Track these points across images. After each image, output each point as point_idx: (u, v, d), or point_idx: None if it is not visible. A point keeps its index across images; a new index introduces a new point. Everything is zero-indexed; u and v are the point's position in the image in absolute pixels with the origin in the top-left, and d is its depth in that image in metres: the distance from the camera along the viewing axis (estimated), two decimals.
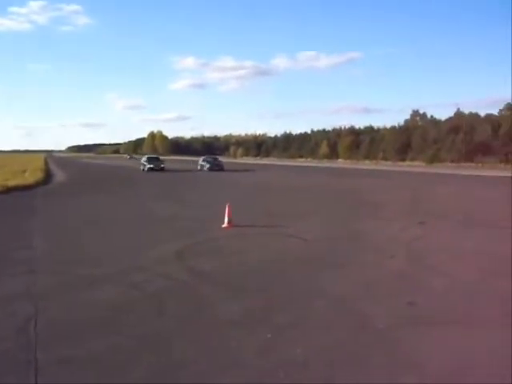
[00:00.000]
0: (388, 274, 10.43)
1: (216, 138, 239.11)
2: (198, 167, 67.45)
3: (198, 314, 7.80)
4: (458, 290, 9.22)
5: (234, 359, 6.12)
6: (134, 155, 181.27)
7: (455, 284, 9.65)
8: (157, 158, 68.72)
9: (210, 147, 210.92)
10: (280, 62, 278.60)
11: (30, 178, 41.69)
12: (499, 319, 7.58)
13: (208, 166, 65.18)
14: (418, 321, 7.47)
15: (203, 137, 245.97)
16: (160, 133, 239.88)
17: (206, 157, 73.60)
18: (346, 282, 9.73)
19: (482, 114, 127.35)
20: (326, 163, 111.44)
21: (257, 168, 75.96)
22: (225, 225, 16.39)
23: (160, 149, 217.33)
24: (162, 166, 62.86)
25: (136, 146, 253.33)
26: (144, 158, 67.83)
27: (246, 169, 72.09)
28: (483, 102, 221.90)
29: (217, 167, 64.95)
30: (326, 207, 23.13)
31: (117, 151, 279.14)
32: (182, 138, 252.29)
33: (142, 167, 63.95)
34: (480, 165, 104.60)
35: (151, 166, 61.82)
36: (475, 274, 10.44)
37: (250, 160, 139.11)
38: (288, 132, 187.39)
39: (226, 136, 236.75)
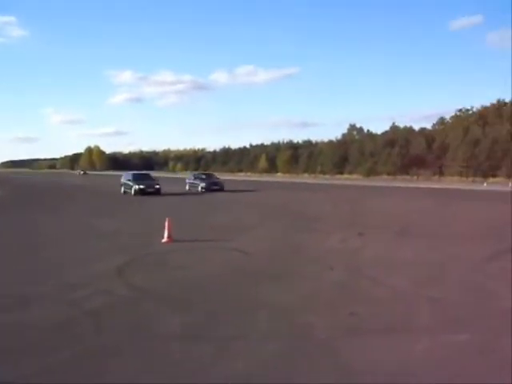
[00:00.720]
0: (329, 285, 10.51)
1: (155, 153, 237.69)
2: (187, 187, 53.43)
3: (139, 329, 7.67)
4: (396, 299, 9.38)
5: (175, 375, 6.03)
6: (87, 171, 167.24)
7: (394, 293, 9.82)
8: (146, 175, 50.03)
9: (149, 162, 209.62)
10: (218, 76, 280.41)
11: None
12: (434, 326, 7.75)
13: (203, 185, 50.33)
14: (359, 330, 7.54)
15: (141, 152, 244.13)
16: (97, 148, 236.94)
17: (199, 174, 61.38)
18: (288, 293, 9.75)
19: (417, 127, 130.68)
20: (265, 177, 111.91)
21: None
22: (164, 240, 16.22)
23: (97, 164, 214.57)
24: (157, 186, 43.86)
25: (73, 161, 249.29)
26: (127, 176, 47.27)
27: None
28: (418, 116, 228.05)
29: (215, 187, 50.55)
30: (267, 220, 23.22)
31: (53, 166, 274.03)
32: (119, 153, 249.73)
33: (124, 188, 45.46)
34: (415, 177, 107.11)
35: (141, 186, 42.36)
36: (412, 283, 10.64)
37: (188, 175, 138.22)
38: (227, 146, 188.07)
39: (164, 151, 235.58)
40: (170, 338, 7.26)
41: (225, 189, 50.41)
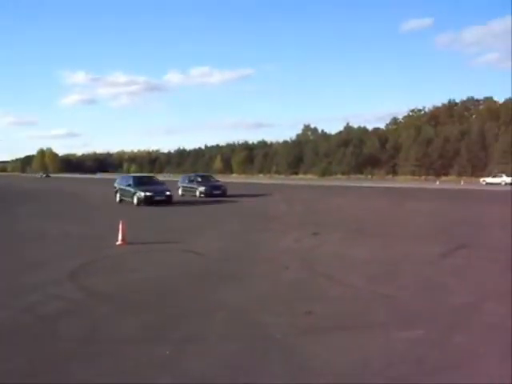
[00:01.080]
0: (285, 284, 10.51)
1: (109, 155, 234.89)
2: (180, 192, 44.14)
3: (93, 333, 7.53)
4: (351, 297, 9.43)
5: (132, 378, 5.93)
6: (47, 174, 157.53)
7: (349, 291, 9.87)
8: (151, 179, 40.50)
9: (103, 164, 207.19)
10: (172, 77, 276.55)
11: None
12: (389, 323, 7.82)
13: (202, 189, 41.75)
14: (315, 329, 7.55)
15: (95, 153, 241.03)
16: (50, 150, 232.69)
17: (194, 175, 48.16)
18: (244, 294, 9.71)
19: (370, 127, 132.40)
20: (220, 178, 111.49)
21: None
22: (119, 242, 15.99)
23: (50, 167, 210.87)
24: (168, 193, 34.27)
25: (24, 163, 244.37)
26: (125, 180, 37.35)
27: None
28: (371, 116, 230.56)
29: (217, 191, 41.89)
30: (221, 221, 23.16)
31: (4, 169, 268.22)
32: (73, 155, 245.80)
33: (120, 196, 36.20)
34: (369, 176, 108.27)
35: (147, 194, 32.79)
36: (367, 281, 10.72)
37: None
38: (182, 148, 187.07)
39: (118, 152, 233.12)
40: (124, 342, 7.14)
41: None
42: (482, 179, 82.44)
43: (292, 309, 8.60)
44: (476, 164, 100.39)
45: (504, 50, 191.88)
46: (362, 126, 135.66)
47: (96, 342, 7.17)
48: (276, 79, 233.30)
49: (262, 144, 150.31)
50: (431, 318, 8.09)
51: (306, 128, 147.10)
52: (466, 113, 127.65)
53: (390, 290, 9.91)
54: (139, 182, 35.27)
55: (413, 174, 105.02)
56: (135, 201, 32.88)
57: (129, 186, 34.82)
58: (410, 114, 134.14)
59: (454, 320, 7.96)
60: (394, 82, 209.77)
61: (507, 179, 77.55)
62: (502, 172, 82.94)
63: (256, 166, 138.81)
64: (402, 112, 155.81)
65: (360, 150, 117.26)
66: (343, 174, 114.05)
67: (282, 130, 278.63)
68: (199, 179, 44.77)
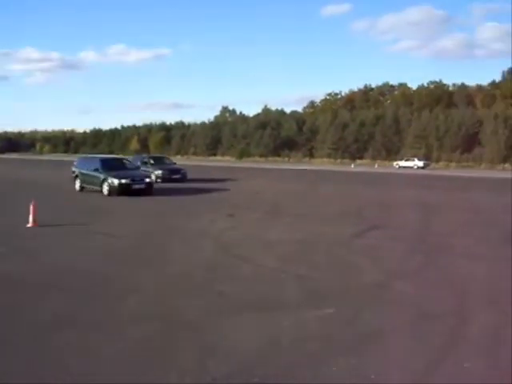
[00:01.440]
0: (198, 265, 10.43)
1: (20, 134, 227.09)
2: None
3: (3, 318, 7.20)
4: (264, 278, 9.49)
5: (35, 366, 5.71)
6: None
7: (262, 272, 9.91)
8: (119, 161, 32.33)
9: (14, 144, 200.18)
10: (88, 55, 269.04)
11: None
12: (301, 302, 7.90)
13: (159, 173, 35.57)
14: (227, 309, 7.52)
15: (6, 133, 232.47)
16: None
17: (146, 157, 41.31)
18: (157, 276, 9.60)
19: (288, 110, 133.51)
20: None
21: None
22: (30, 224, 15.38)
23: None
24: (148, 180, 27.79)
25: None
26: (88, 163, 29.48)
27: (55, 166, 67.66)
28: (290, 99, 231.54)
29: (176, 175, 36.54)
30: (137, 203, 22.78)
31: None
32: None
33: (81, 183, 28.84)
34: (286, 159, 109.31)
35: (122, 181, 25.95)
36: (280, 261, 10.83)
37: (61, 156, 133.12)
38: (98, 128, 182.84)
39: (31, 132, 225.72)
40: (30, 326, 6.84)
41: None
42: (395, 163, 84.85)
43: (205, 290, 8.57)
44: (390, 148, 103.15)
45: (419, 38, 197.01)
46: (279, 108, 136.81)
47: (5, 326, 6.86)
48: (194, 60, 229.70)
49: (180, 125, 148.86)
50: (342, 296, 8.24)
51: (225, 110, 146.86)
52: (381, 98, 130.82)
53: (303, 269, 10.07)
54: (109, 166, 27.70)
55: (329, 156, 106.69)
56: (105, 190, 26.01)
57: (96, 170, 27.11)
58: (327, 97, 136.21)
59: (363, 298, 8.14)
60: (312, 65, 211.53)
61: (419, 163, 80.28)
62: (414, 156, 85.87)
63: (173, 147, 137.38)
64: (319, 96, 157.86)
65: (278, 133, 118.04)
66: (261, 156, 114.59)
67: (200, 112, 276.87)
68: (152, 161, 37.89)
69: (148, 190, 26.39)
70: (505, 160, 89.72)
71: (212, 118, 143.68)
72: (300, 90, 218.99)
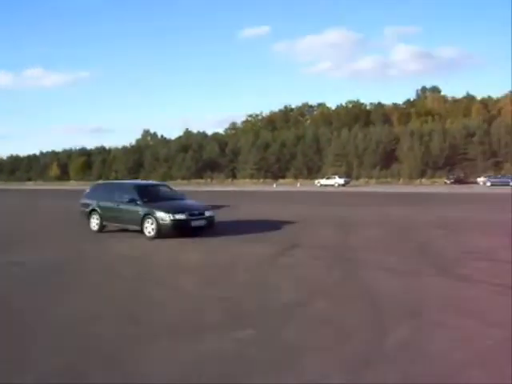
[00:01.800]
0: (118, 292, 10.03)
1: None
2: None
3: None
4: (184, 302, 9.29)
5: None
6: None
7: (182, 296, 9.77)
8: (156, 187, 22.58)
9: None
10: (3, 79, 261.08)
11: None
12: (220, 324, 7.73)
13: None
14: (147, 336, 7.31)
15: None
16: None
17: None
18: (75, 303, 9.15)
19: (210, 132, 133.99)
20: (57, 186, 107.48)
21: None
22: None
23: None
24: (209, 214, 19.01)
25: None
26: (111, 190, 20.90)
27: None
28: (211, 121, 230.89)
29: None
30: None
31: None
32: None
33: (99, 220, 20.12)
34: (209, 180, 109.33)
35: (178, 217, 17.76)
36: (199, 284, 10.70)
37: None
38: (15, 154, 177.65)
39: None
40: None
41: None
42: (316, 181, 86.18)
43: (122, 318, 8.28)
44: (311, 167, 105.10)
45: (336, 59, 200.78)
46: (201, 131, 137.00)
47: None
48: (112, 83, 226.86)
49: (101, 150, 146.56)
50: (262, 317, 8.15)
51: (146, 133, 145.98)
52: (300, 118, 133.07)
53: (221, 291, 9.93)
54: (149, 195, 19.49)
55: (251, 177, 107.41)
56: (149, 229, 17.87)
57: (131, 202, 18.77)
58: (248, 118, 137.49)
59: (283, 317, 8.07)
60: (232, 87, 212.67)
61: (340, 180, 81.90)
62: (335, 174, 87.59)
63: (94, 173, 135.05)
64: (240, 117, 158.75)
65: (200, 155, 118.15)
66: (183, 178, 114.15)
67: (121, 136, 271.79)
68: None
69: (209, 228, 18.63)
70: (422, 175, 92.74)
71: (133, 142, 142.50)
72: (221, 112, 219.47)
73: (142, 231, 18.09)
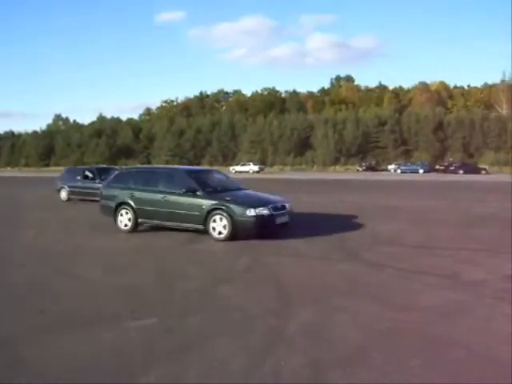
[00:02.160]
0: (18, 282, 9.79)
1: None
2: (65, 195, 28.51)
3: None
4: (86, 291, 9.06)
5: None
6: None
7: (84, 285, 9.52)
8: (206, 173, 18.52)
9: None
10: None
11: None
12: (123, 313, 7.61)
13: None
14: (46, 328, 7.11)
15: None
16: None
17: (86, 168, 30.03)
18: None
19: (124, 118, 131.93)
20: None
21: None
22: None
23: None
24: (287, 205, 14.93)
25: None
26: (153, 177, 15.81)
27: None
28: (126, 107, 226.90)
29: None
30: None
31: None
32: None
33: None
34: (123, 167, 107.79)
35: (263, 212, 13.69)
36: (103, 272, 10.53)
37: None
38: None
39: None
40: None
41: None
42: (231, 168, 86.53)
43: (23, 309, 8.01)
44: (226, 153, 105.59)
45: (252, 47, 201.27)
46: (115, 116, 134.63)
47: None
48: (22, 65, 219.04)
49: (10, 135, 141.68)
50: (165, 304, 8.12)
51: (58, 118, 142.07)
52: (216, 104, 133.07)
53: (126, 280, 9.81)
54: (207, 185, 15.23)
55: (167, 163, 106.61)
56: (220, 229, 13.75)
57: (187, 194, 14.42)
58: (163, 104, 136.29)
59: (187, 305, 8.08)
60: (147, 73, 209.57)
61: (254, 167, 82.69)
62: (250, 161, 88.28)
63: (3, 159, 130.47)
64: (155, 103, 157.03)
65: (114, 141, 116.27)
66: (98, 163, 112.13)
67: (32, 121, 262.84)
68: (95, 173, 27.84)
69: (288, 224, 14.87)
70: (335, 162, 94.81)
71: (44, 127, 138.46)
72: (136, 98, 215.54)
73: (205, 231, 14.05)
